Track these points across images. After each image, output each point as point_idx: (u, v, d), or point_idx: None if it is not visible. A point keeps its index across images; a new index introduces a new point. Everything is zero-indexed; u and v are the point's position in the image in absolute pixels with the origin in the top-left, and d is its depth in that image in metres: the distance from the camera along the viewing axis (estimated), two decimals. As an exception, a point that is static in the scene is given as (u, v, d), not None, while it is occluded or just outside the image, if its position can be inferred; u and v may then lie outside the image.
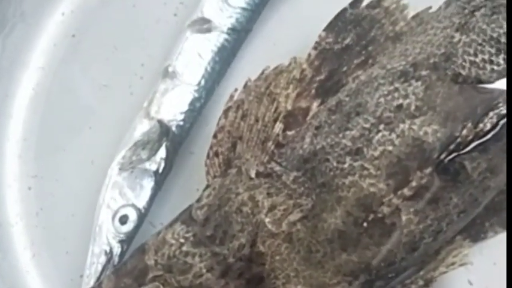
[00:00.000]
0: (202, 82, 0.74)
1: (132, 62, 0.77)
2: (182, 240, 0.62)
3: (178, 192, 0.74)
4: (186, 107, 0.73)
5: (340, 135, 0.62)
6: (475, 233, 0.68)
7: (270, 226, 0.61)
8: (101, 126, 0.77)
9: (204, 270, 0.61)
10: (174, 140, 0.72)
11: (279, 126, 0.65)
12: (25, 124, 0.78)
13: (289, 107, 0.65)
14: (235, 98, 0.67)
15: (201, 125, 0.75)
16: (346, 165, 0.61)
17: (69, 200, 0.75)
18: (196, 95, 0.74)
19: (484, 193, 0.64)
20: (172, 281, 0.61)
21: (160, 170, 0.72)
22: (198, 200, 0.64)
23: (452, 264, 0.65)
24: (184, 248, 0.62)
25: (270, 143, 0.64)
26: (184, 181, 0.74)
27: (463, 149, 0.60)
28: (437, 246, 0.64)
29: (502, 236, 0.69)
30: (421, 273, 0.65)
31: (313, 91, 0.66)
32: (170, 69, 0.73)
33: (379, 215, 0.60)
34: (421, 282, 0.65)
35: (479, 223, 0.68)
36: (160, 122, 0.72)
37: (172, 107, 0.73)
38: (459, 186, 0.62)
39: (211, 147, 0.67)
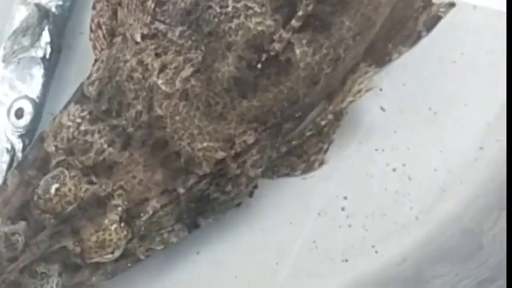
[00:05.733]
0: (73, -46, 0.69)
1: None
2: (79, 120, 0.59)
3: (74, 77, 0.70)
4: (62, -15, 0.69)
5: None
6: (378, 57, 0.66)
7: (163, 87, 0.58)
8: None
9: (105, 146, 0.58)
10: (56, 21, 0.68)
11: (155, -17, 0.62)
12: None
13: (161, -40, 0.62)
14: (106, -38, 0.63)
15: (85, 2, 0.71)
16: (229, 9, 0.58)
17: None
18: (70, -30, 0.69)
19: (376, 10, 0.62)
20: (75, 163, 0.58)
21: (47, 56, 0.68)
22: (89, 77, 0.61)
23: (359, 91, 0.63)
24: (82, 128, 0.59)
25: (149, 2, 0.61)
26: (78, 64, 0.71)
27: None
28: (339, 76, 0.63)
29: (407, 56, 0.67)
30: (330, 107, 0.64)
31: None
32: None
33: (272, 53, 0.58)
34: (330, 117, 0.64)
35: (381, 46, 0.66)
36: (37, 5, 0.68)
37: (47, -13, 0.69)
38: (349, 7, 0.59)
39: (92, 20, 0.64)
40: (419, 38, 0.67)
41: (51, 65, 0.69)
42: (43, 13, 0.68)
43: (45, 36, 0.68)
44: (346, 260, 0.67)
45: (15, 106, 0.67)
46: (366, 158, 0.68)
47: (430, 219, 0.67)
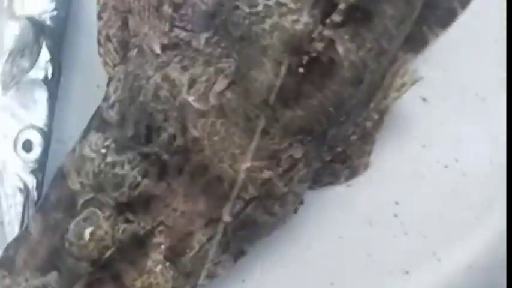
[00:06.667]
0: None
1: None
2: (103, 151, 0.53)
3: (78, 96, 0.63)
4: (53, -8, 0.61)
5: None
6: (414, 42, 0.60)
7: (196, 104, 0.51)
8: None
9: (139, 178, 0.51)
10: (53, 35, 0.61)
11: (169, -16, 0.55)
12: None
13: (174, -42, 0.55)
14: (108, -35, 0.57)
15: (79, 9, 0.64)
16: (260, 8, 0.52)
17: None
18: (60, -26, 0.62)
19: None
20: (107, 200, 0.52)
21: (49, 76, 0.61)
22: (106, 99, 0.55)
23: (403, 85, 0.58)
24: (108, 159, 0.52)
25: (165, 7, 0.55)
26: (81, 81, 0.64)
27: None
28: (381, 71, 0.57)
29: (443, 39, 0.62)
30: (372, 106, 0.58)
31: None
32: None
33: (314, 55, 0.52)
34: (375, 116, 0.59)
35: (416, 30, 0.60)
36: (30, 19, 0.60)
37: (37, -3, 0.61)
38: None
39: (99, 32, 0.57)
40: (454, 16, 0.62)
41: (54, 86, 0.61)
42: (38, 28, 0.61)
43: (45, 54, 0.61)
44: (407, 272, 0.62)
45: (22, 138, 0.59)
46: (413, 156, 0.63)
47: (493, 218, 0.62)
